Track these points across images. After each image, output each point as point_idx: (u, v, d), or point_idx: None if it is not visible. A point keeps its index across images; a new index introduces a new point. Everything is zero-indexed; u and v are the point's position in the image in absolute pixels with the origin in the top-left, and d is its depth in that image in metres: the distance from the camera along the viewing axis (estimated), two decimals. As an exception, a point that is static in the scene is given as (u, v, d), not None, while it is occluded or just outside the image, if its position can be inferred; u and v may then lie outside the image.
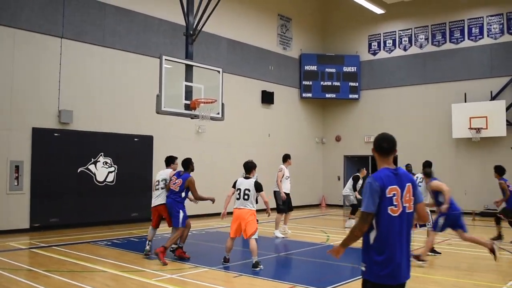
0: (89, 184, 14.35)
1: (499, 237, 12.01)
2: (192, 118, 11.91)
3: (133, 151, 15.40)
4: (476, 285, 7.92)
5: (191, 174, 9.93)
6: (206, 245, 11.83)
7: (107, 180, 14.83)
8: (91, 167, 14.48)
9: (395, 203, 3.79)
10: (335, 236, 13.28)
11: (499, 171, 12.50)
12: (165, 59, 11.24)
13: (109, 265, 9.04)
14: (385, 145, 4.05)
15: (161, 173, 10.33)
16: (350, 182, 15.67)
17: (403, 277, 3.81)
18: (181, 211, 9.50)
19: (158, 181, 10.15)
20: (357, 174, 15.66)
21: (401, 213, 3.81)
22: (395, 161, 4.14)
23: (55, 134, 13.78)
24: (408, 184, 3.91)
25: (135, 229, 13.84)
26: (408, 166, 15.84)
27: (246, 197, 8.85)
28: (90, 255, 9.84)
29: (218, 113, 12.00)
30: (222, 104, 12.16)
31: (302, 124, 22.58)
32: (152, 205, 10.12)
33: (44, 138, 13.55)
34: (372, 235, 3.82)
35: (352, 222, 14.28)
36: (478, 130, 18.61)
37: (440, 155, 19.61)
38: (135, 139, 15.47)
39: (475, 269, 9.21)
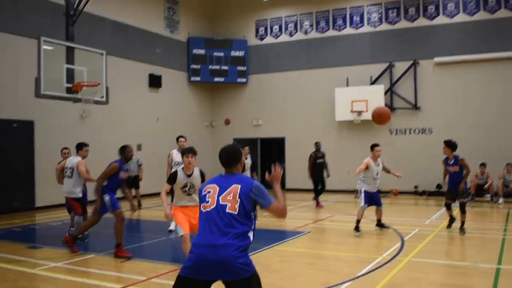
0: None
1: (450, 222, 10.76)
2: (74, 102, 11.51)
3: (13, 138, 14.50)
4: (358, 257, 8.41)
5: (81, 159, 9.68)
6: (95, 232, 11.51)
7: (-16, 168, 13.90)
8: None
9: (207, 200, 3.90)
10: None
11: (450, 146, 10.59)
12: (44, 40, 10.72)
13: (-14, 258, 8.52)
14: (223, 157, 4.15)
15: (69, 160, 10.01)
16: None
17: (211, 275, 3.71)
18: (105, 195, 8.96)
19: (66, 168, 9.87)
20: None
21: (214, 209, 3.83)
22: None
23: None
24: (236, 185, 3.91)
25: (16, 219, 13.12)
26: (317, 144, 15.98)
27: (192, 191, 7.67)
28: (31, 259, 9.16)
29: (102, 97, 11.68)
30: (107, 88, 11.84)
31: (191, 108, 22.49)
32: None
33: None
34: None
35: None
36: (359, 113, 19.61)
37: (325, 137, 20.41)
38: (14, 125, 14.59)
39: (358, 244, 9.75)
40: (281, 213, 3.97)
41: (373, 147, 10.70)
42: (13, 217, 13.50)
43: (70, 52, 11.21)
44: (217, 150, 15.22)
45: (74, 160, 9.91)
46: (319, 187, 15.76)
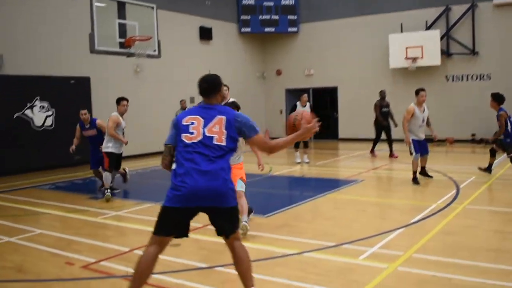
0: (27, 130, 13.96)
1: (489, 168, 10.65)
2: (128, 56, 11.72)
3: (70, 94, 14.95)
4: (411, 205, 8.41)
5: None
6: (150, 182, 11.91)
7: (46, 124, 14.46)
8: (28, 112, 14.06)
9: (191, 131, 3.87)
10: (278, 166, 13.59)
11: (497, 98, 10.36)
12: (96, -3, 10.87)
13: (53, 207, 9.00)
14: (204, 85, 4.07)
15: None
16: None
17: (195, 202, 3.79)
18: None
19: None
20: (297, 102, 13.99)
21: (200, 141, 3.83)
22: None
23: (-14, 80, 13.23)
24: (221, 117, 3.92)
25: (79, 172, 13.70)
26: (382, 92, 15.48)
27: None
28: (33, 199, 9.73)
29: (155, 50, 11.84)
30: (158, 41, 11.97)
31: (242, 60, 22.47)
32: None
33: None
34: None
35: (304, 157, 14.12)
36: (414, 59, 19.08)
37: (379, 85, 20.03)
38: (71, 81, 15.03)
39: (411, 192, 9.70)
40: (266, 147, 4.16)
41: (417, 92, 10.37)
42: (75, 170, 14.09)
43: (121, 7, 11.36)
44: (269, 101, 15.44)
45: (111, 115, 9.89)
46: (385, 138, 15.25)
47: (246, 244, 6.17)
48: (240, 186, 6.58)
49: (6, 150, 13.43)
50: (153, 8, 12.00)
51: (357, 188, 10.10)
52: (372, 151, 15.41)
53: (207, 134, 3.84)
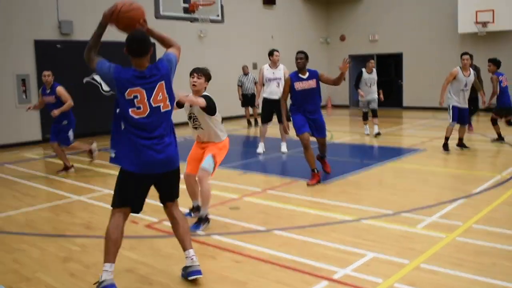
0: (96, 94, 14.50)
1: (499, 137, 11.20)
2: (191, 21, 11.84)
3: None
4: (474, 175, 8.25)
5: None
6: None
7: (113, 89, 14.96)
8: (97, 77, 14.58)
9: (137, 105, 3.83)
10: (339, 134, 13.56)
11: (496, 63, 11.38)
12: (161, -39, 10.98)
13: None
14: (134, 46, 3.87)
15: None
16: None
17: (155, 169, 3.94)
18: None
19: None
20: (362, 69, 13.03)
21: (148, 114, 3.85)
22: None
23: (58, 46, 13.77)
24: (160, 83, 3.92)
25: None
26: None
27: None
28: (102, 161, 10.17)
29: (218, 15, 11.88)
30: (221, 6, 11.99)
31: (306, 25, 22.22)
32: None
33: (47, 50, 13.56)
34: (122, 125, 3.91)
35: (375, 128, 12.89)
36: (485, 24, 18.27)
37: (446, 50, 19.44)
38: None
39: (475, 162, 9.49)
40: None
41: (461, 55, 10.13)
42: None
43: (186, -28, 11.42)
44: (332, 67, 15.18)
45: None
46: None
47: (304, 208, 6.31)
48: (207, 164, 5.46)
49: (77, 113, 13.98)
50: (216, -28, 12.00)
51: (419, 157, 9.96)
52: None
53: (154, 105, 3.89)
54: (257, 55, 19.18)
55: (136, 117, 3.83)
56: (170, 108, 3.99)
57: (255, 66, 18.71)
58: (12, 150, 12.49)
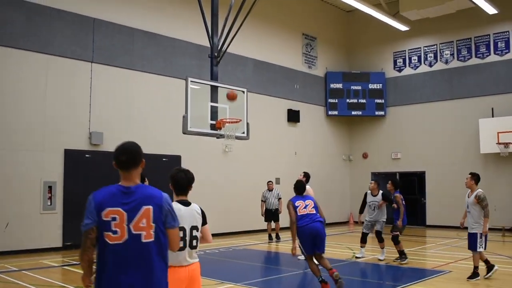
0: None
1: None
2: (217, 137, 12.18)
3: (162, 171, 15.63)
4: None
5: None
6: (232, 262, 12.01)
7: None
8: (121, 187, 14.84)
9: (114, 229, 3.22)
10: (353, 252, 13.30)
11: (395, 184, 12.00)
12: (191, 81, 11.55)
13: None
14: (123, 158, 3.41)
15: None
16: None
17: None
18: None
19: None
20: (366, 192, 12.50)
21: (126, 241, 3.22)
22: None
23: (86, 155, 14.21)
24: (147, 207, 3.29)
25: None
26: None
27: (195, 242, 4.59)
28: None
29: (243, 133, 12.23)
30: (247, 124, 12.39)
31: (329, 142, 22.68)
32: None
33: (76, 159, 13.99)
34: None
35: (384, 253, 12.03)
36: (507, 144, 18.45)
37: (468, 170, 19.43)
38: (164, 159, 15.80)
39: (501, 284, 9.18)
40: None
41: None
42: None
43: (214, 91, 11.94)
44: (354, 184, 15.38)
45: None
46: None
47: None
48: None
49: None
50: (244, 92, 12.53)
51: (444, 279, 9.67)
52: None
53: (134, 232, 3.23)
54: (280, 170, 19.45)
55: (111, 242, 3.22)
56: (153, 238, 3.30)
57: (277, 181, 18.90)
58: (32, 256, 12.50)
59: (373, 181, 12.43)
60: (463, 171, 19.15)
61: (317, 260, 8.15)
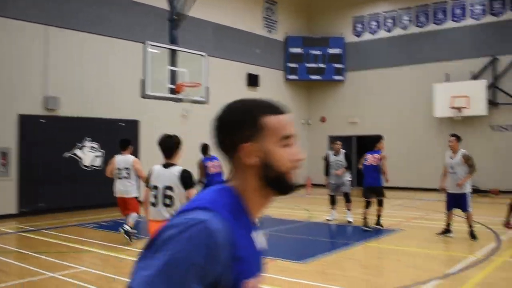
0: (76, 169, 14.55)
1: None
2: (177, 101, 12.18)
3: (120, 136, 15.49)
4: (450, 256, 8.33)
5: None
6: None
7: (94, 164, 15.05)
8: (78, 152, 14.70)
9: None
10: (318, 213, 13.65)
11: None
12: (150, 45, 11.45)
13: (96, 245, 9.33)
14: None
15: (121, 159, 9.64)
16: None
17: None
18: None
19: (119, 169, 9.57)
20: (328, 151, 12.69)
21: None
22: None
23: (42, 121, 13.95)
24: None
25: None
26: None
27: (168, 200, 5.22)
28: (77, 237, 10.11)
29: (202, 97, 12.26)
30: (207, 88, 12.41)
31: (288, 106, 22.48)
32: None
33: (31, 125, 13.71)
34: None
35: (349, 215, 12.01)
36: (460, 109, 18.98)
37: (424, 134, 20.02)
38: (121, 124, 15.65)
39: (450, 243, 9.59)
40: None
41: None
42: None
43: (173, 54, 11.89)
44: (313, 148, 15.62)
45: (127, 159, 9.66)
46: None
47: (280, 288, 6.29)
48: None
49: (55, 188, 14.02)
50: (203, 56, 12.50)
51: (396, 238, 10.05)
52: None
53: None
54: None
55: None
56: None
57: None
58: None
59: (339, 142, 12.59)
60: (418, 134, 19.76)
61: None
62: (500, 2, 19.22)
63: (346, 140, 22.07)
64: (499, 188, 18.07)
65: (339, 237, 10.94)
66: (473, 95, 18.80)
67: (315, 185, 23.01)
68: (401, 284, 6.40)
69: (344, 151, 12.39)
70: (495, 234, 9.97)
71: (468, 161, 9.50)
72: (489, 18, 19.44)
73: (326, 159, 12.36)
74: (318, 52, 22.56)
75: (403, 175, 19.83)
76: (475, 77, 19.35)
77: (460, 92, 19.06)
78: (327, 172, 12.43)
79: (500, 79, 19.07)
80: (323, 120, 23.50)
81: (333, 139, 22.73)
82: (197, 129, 17.95)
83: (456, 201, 9.60)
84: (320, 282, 6.65)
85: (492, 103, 18.99)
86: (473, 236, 9.48)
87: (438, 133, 20.11)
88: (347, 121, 22.57)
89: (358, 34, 22.71)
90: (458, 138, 9.84)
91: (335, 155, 12.27)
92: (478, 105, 18.76)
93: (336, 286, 6.43)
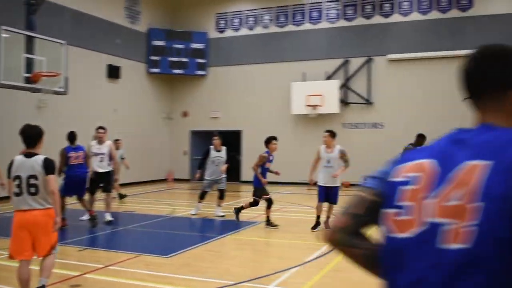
0: None
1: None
2: (33, 92, 11.55)
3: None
4: (307, 245, 8.90)
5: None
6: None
7: None
8: None
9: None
10: (180, 208, 13.76)
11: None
12: (3, 29, 10.74)
13: None
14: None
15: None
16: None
17: None
18: None
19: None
20: (210, 146, 12.37)
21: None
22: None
23: None
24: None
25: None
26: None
27: (32, 189, 5.33)
28: None
29: (62, 87, 11.76)
30: (66, 78, 11.92)
31: (150, 100, 22.57)
32: None
33: None
34: None
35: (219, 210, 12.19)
36: (315, 107, 20.19)
37: (281, 130, 20.95)
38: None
39: (308, 232, 10.22)
40: None
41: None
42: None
43: (29, 41, 11.25)
44: (174, 142, 15.58)
45: None
46: None
47: (147, 283, 6.33)
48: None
49: None
50: (62, 44, 11.98)
51: (257, 230, 10.50)
52: None
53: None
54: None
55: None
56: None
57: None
58: None
59: (217, 137, 12.39)
60: (276, 130, 20.55)
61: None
62: (352, 8, 20.74)
63: (208, 135, 22.41)
64: (350, 182, 19.46)
65: (203, 230, 11.16)
66: (327, 94, 20.10)
67: (177, 180, 23.12)
68: (263, 273, 6.74)
69: (224, 147, 12.41)
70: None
71: (344, 156, 10.23)
72: (342, 22, 20.90)
73: (206, 154, 12.18)
74: (181, 46, 22.58)
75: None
76: (329, 77, 20.70)
77: (316, 91, 20.28)
78: (201, 167, 12.26)
79: (351, 80, 20.59)
80: (185, 114, 23.58)
81: (195, 134, 23.06)
82: (55, 120, 17.14)
83: (328, 194, 10.13)
84: (185, 274, 6.78)
85: (344, 102, 20.46)
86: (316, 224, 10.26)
87: (294, 129, 21.22)
88: (209, 116, 22.90)
89: (221, 31, 23.11)
90: (332, 134, 10.41)
91: (217, 150, 12.20)
92: (331, 104, 20.11)
93: (201, 277, 6.62)
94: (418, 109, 19.48)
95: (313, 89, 20.34)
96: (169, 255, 7.93)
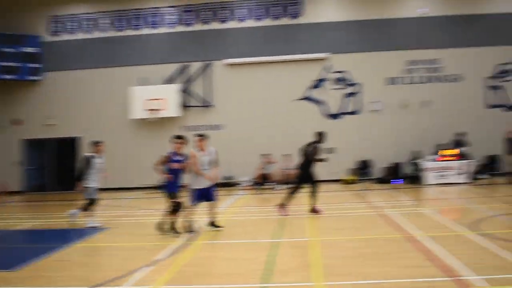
0: None
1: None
2: None
3: None
4: (158, 245, 9.11)
5: None
6: None
7: None
8: None
9: None
10: (18, 221, 13.12)
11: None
12: None
13: None
14: None
15: None
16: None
17: None
18: None
19: None
20: (89, 155, 12.06)
21: None
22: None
23: None
24: None
25: None
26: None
27: None
28: None
29: None
30: None
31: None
32: None
33: None
34: None
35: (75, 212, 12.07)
36: (155, 111, 20.37)
37: (121, 135, 20.90)
38: None
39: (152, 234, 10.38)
40: None
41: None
42: None
43: None
44: (6, 152, 14.77)
45: None
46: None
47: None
48: None
49: None
50: None
51: (106, 235, 10.45)
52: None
53: None
54: None
55: None
56: None
57: None
58: None
59: (100, 143, 12.20)
60: (116, 135, 20.49)
61: None
62: (191, 14, 21.29)
63: (43, 143, 21.48)
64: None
65: (49, 241, 10.75)
66: (167, 98, 20.42)
67: (12, 192, 21.46)
68: (118, 275, 6.86)
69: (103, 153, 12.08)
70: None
71: (217, 157, 10.51)
72: (182, 28, 21.37)
73: (88, 162, 11.70)
74: (11, 50, 21.25)
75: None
76: (169, 81, 21.01)
77: (156, 95, 20.48)
78: (82, 176, 11.71)
79: (190, 84, 21.11)
80: (17, 123, 22.12)
81: (29, 142, 21.76)
82: None
83: (204, 195, 10.24)
84: (36, 286, 6.66)
85: (184, 106, 20.93)
86: (217, 226, 10.35)
87: (134, 133, 21.21)
88: (45, 123, 21.83)
89: (56, 34, 22.17)
90: (203, 137, 10.45)
91: (100, 157, 11.96)
92: (172, 108, 20.46)
93: (54, 287, 6.56)
94: (257, 110, 20.68)
95: (153, 94, 20.56)
96: (14, 269, 7.59)
